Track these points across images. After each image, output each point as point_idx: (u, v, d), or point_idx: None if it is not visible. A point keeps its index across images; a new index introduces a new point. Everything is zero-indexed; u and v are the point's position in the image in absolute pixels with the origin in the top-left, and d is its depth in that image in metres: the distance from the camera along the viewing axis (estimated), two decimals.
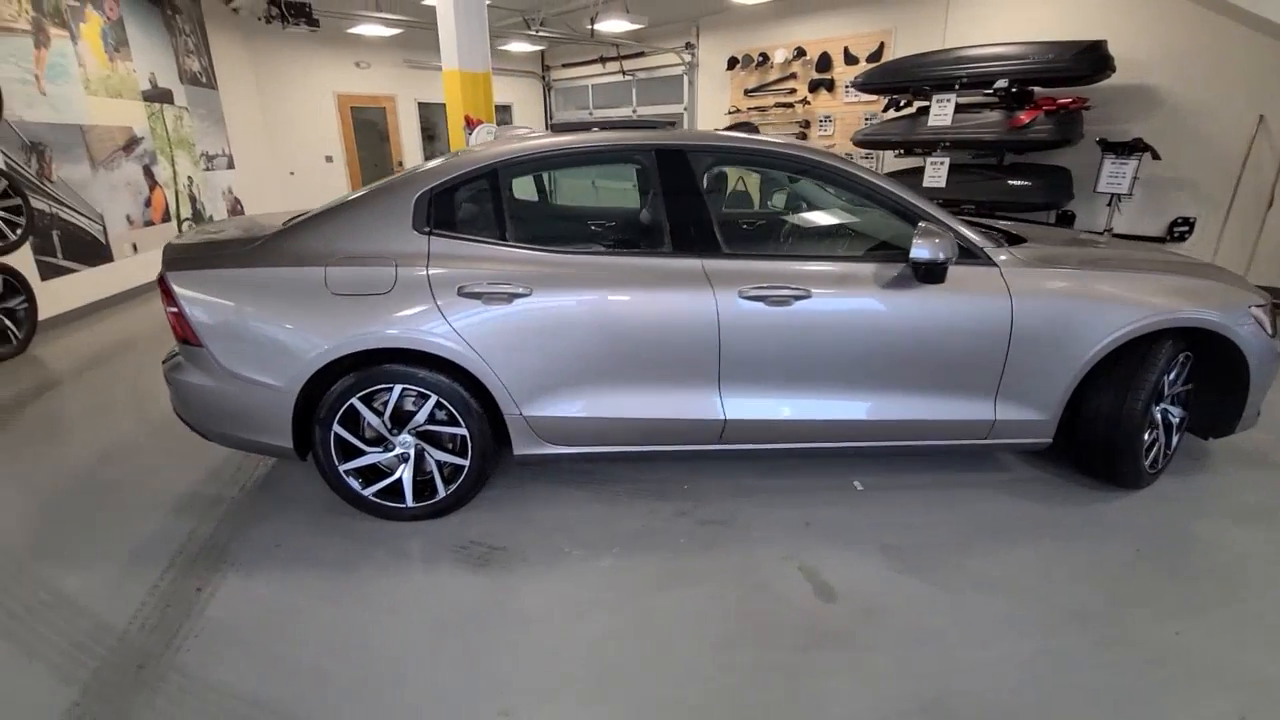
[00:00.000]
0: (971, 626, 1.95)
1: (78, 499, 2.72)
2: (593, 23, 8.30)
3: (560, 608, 2.06)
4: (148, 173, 6.68)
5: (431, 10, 5.68)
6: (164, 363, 2.52)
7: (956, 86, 6.05)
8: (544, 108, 12.50)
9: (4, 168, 4.59)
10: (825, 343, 2.39)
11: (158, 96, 6.89)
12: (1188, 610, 2.01)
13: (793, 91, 8.41)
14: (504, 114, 12.12)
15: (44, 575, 2.23)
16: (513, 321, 2.28)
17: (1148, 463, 2.61)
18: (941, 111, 6.16)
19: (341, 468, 2.40)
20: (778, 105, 8.55)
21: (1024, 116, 5.67)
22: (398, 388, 2.33)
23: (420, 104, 11.00)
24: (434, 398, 2.34)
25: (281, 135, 9.55)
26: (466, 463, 2.44)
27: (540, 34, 9.22)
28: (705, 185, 2.90)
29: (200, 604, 2.09)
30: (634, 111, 10.90)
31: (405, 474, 2.44)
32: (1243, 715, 1.64)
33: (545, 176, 2.74)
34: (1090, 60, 5.39)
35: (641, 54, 10.25)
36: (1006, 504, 2.61)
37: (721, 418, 2.44)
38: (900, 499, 2.65)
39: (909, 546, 2.34)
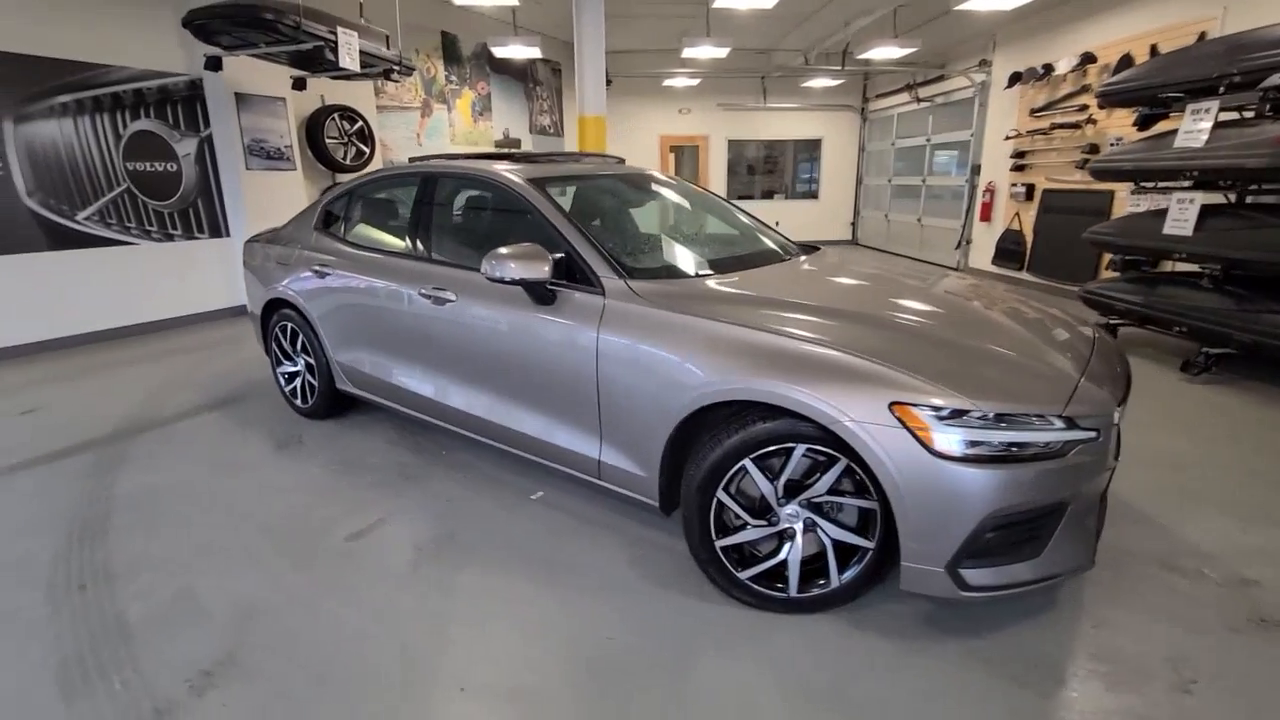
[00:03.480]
0: (345, 610, 2.16)
1: (221, 379, 4.91)
2: (845, 52, 8.11)
3: (271, 481, 3.01)
4: None
5: (716, 60, 6.96)
6: None
7: (1222, 90, 4.08)
8: (858, 139, 12.19)
9: None
10: (460, 342, 2.71)
11: (507, 144, 9.89)
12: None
13: (1083, 109, 6.53)
14: (814, 148, 12.37)
15: (131, 417, 4.33)
16: (324, 290, 3.34)
17: (750, 574, 2.01)
18: (1194, 128, 4.23)
19: (277, 370, 3.86)
20: (1055, 126, 6.76)
21: None
22: (290, 324, 3.64)
23: (731, 141, 12.24)
24: (302, 335, 3.57)
25: None
26: (317, 383, 3.60)
27: (815, 68, 9.35)
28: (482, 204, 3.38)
29: (167, 437, 3.76)
30: (928, 140, 9.82)
31: (298, 383, 3.75)
32: None
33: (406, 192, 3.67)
34: None
35: (941, 78, 9.22)
36: (610, 558, 2.37)
37: (420, 393, 2.98)
38: (547, 519, 2.66)
39: (464, 543, 2.48)
